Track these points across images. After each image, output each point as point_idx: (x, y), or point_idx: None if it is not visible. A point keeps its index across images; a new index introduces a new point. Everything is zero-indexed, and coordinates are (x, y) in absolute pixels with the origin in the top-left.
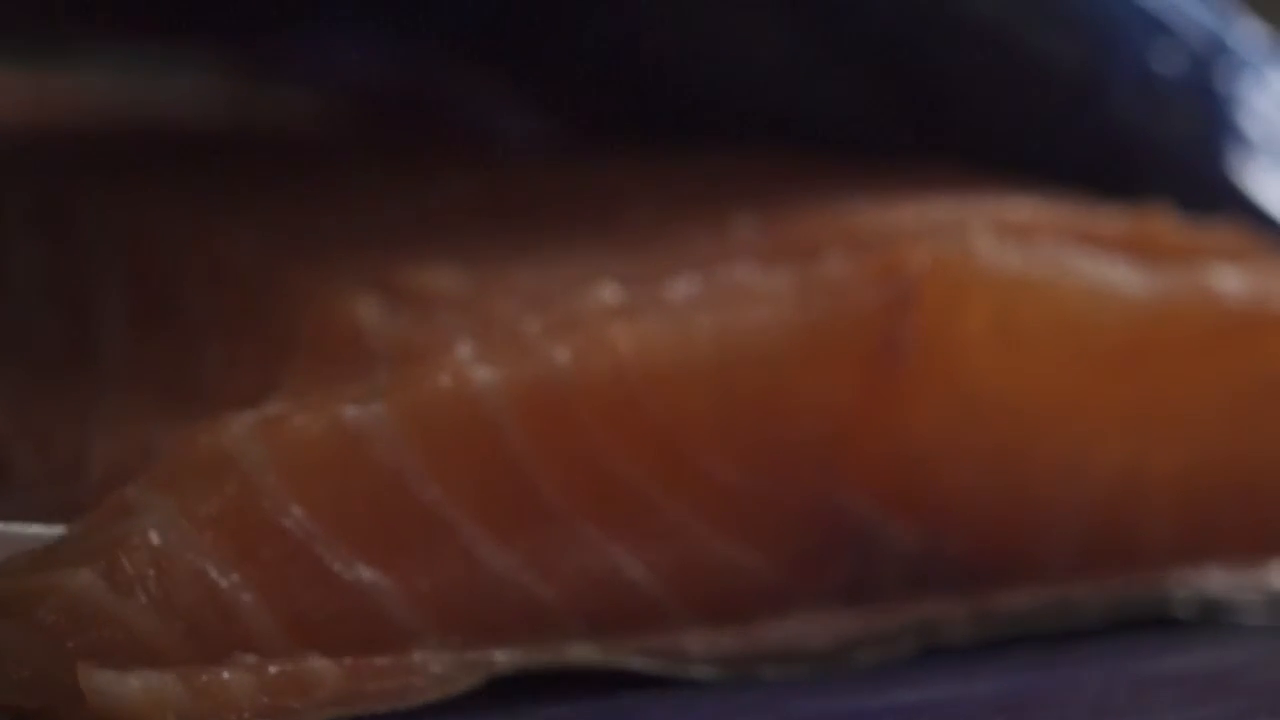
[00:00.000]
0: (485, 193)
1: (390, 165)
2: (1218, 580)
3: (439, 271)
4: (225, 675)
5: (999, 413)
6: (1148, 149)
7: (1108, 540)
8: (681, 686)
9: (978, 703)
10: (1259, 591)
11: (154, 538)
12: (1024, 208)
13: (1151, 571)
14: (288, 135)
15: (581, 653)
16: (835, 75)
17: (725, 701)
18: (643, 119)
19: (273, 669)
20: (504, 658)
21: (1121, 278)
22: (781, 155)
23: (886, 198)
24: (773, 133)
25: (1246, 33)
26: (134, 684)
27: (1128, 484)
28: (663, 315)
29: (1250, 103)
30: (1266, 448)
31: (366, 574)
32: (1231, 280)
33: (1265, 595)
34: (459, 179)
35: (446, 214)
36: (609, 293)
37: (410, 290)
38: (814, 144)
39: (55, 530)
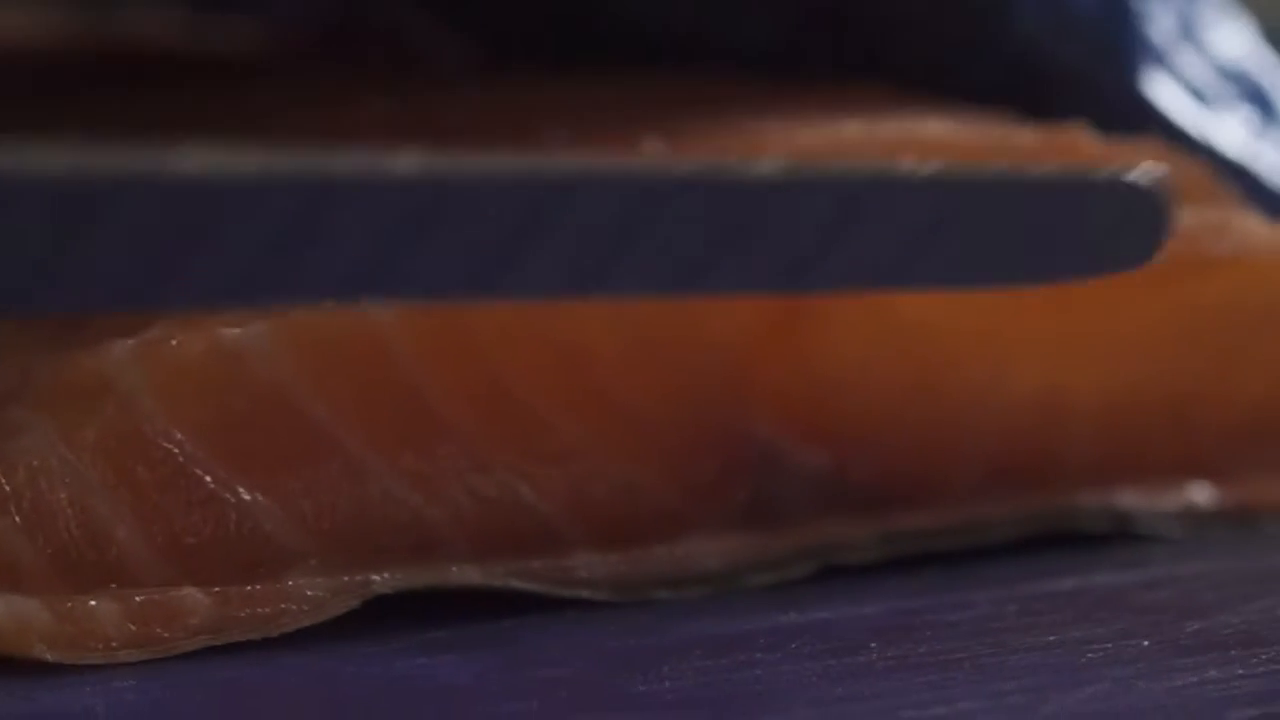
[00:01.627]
0: (398, 118)
1: (304, 94)
2: (1131, 499)
3: None
4: (92, 603)
5: (913, 340)
6: (1058, 67)
7: (1022, 462)
8: (565, 609)
9: (861, 624)
10: (1175, 507)
11: (32, 459)
12: (941, 127)
13: (1066, 493)
14: (220, 66)
15: (463, 575)
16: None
17: (607, 624)
18: (563, 43)
19: (139, 597)
20: (382, 580)
21: None
22: (696, 78)
23: (800, 119)
24: (689, 57)
25: None
26: None
27: (1046, 408)
28: None
29: (1157, 17)
30: (1192, 377)
31: (247, 497)
32: None
33: (1180, 511)
34: (372, 106)
35: (356, 139)
36: None
37: None
38: (730, 68)
39: None
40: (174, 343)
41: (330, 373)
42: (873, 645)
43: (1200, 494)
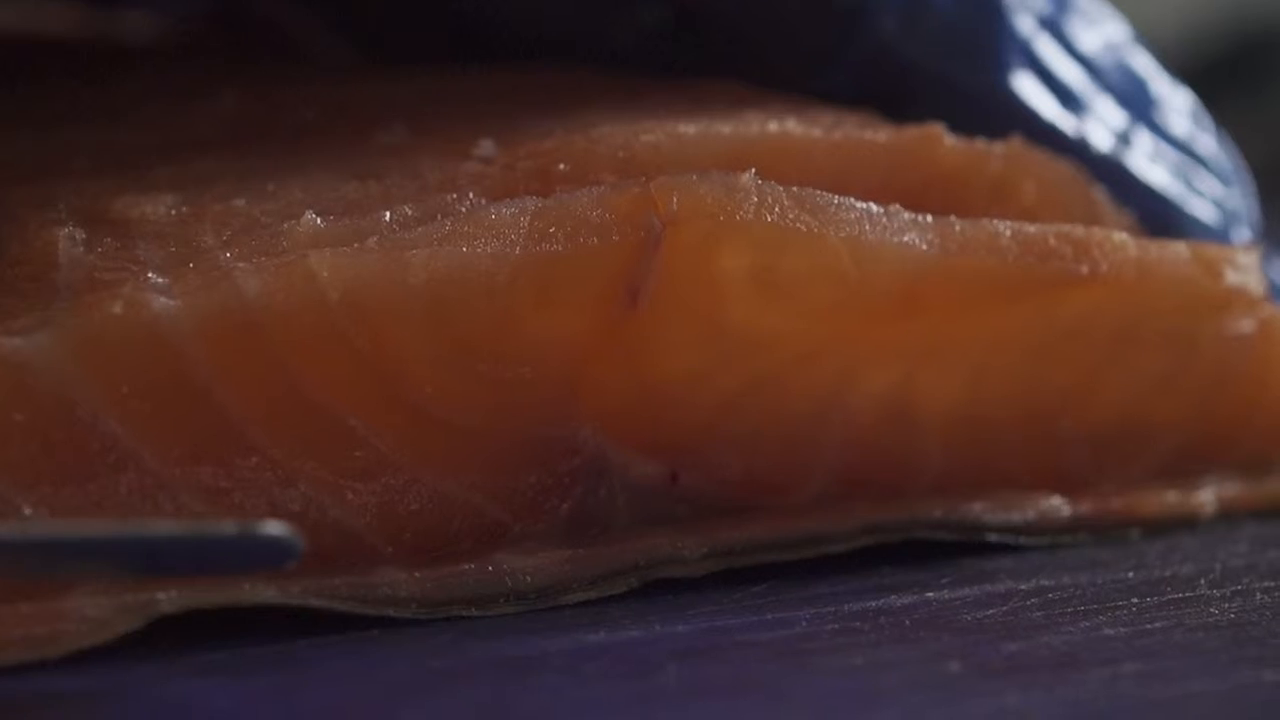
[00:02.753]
0: (248, 113)
1: (168, 85)
2: (981, 510)
3: (151, 199)
4: None
5: (752, 353)
6: (919, 68)
7: (868, 473)
8: (370, 628)
9: (669, 644)
10: (1026, 518)
11: None
12: (789, 126)
13: (912, 504)
14: (102, 56)
15: (256, 593)
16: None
17: (403, 645)
18: (434, 43)
19: None
20: (168, 599)
21: (895, 228)
22: (544, 76)
23: (642, 118)
24: (560, 56)
25: None
26: None
27: (895, 418)
28: (371, 245)
29: (1021, 15)
30: (1049, 389)
31: (28, 511)
32: (1011, 234)
33: (1032, 522)
34: (225, 100)
35: (202, 137)
36: (312, 221)
37: (116, 219)
38: (588, 68)
39: None
40: None
41: (120, 385)
42: (671, 668)
43: (1055, 505)
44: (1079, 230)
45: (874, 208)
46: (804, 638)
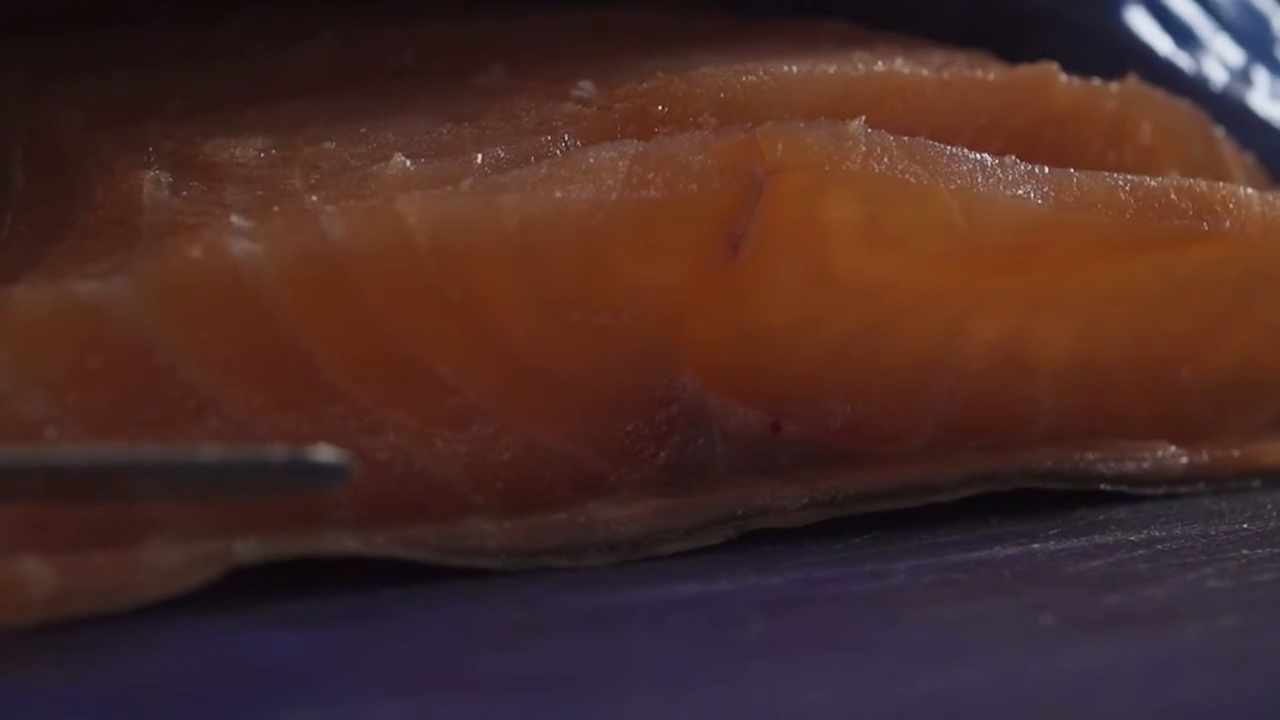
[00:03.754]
0: (349, 57)
1: (265, 28)
2: (1095, 458)
3: (241, 142)
4: None
5: (858, 302)
6: (1034, 6)
7: (980, 420)
8: (457, 579)
9: (760, 596)
10: (1142, 467)
11: None
12: (903, 67)
13: (1024, 451)
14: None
15: (338, 542)
16: None
17: (490, 596)
18: None
19: None
20: (245, 548)
21: (1010, 180)
22: (659, 14)
23: (754, 59)
24: None
25: None
26: None
27: (1009, 365)
28: (462, 188)
29: None
30: (1169, 339)
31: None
32: (1130, 189)
33: (1147, 471)
34: (325, 41)
35: (300, 79)
36: (401, 163)
37: (205, 163)
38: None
39: None
40: (19, 297)
41: (199, 330)
42: (757, 620)
43: (1171, 455)
44: (1201, 185)
45: (988, 159)
46: (899, 589)
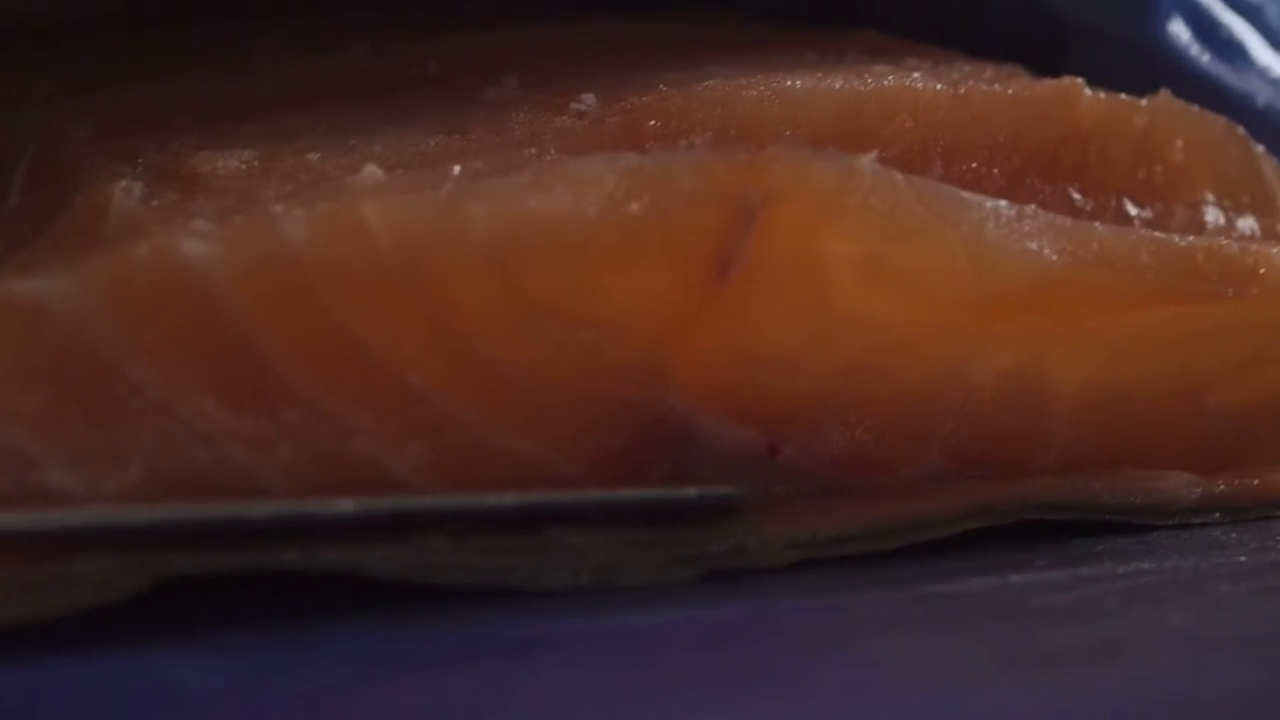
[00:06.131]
0: (374, 66)
1: (298, 40)
2: (1102, 489)
3: (227, 154)
4: None
5: (858, 333)
6: (1068, 20)
7: (986, 450)
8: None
9: (704, 627)
10: (1152, 498)
11: None
12: (917, 81)
13: (1024, 482)
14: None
15: (277, 556)
16: None
17: (418, 619)
18: None
19: None
20: (182, 561)
21: (1024, 232)
22: (686, 25)
23: (763, 71)
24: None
25: None
26: None
27: (1022, 395)
28: (430, 195)
29: None
30: (1191, 374)
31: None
32: (1154, 250)
33: (1159, 503)
34: (353, 53)
35: (316, 93)
36: (374, 173)
37: (188, 174)
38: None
39: None
40: None
41: (147, 329)
42: (684, 655)
43: (1183, 484)
44: (1232, 248)
45: (1002, 206)
46: (849, 623)
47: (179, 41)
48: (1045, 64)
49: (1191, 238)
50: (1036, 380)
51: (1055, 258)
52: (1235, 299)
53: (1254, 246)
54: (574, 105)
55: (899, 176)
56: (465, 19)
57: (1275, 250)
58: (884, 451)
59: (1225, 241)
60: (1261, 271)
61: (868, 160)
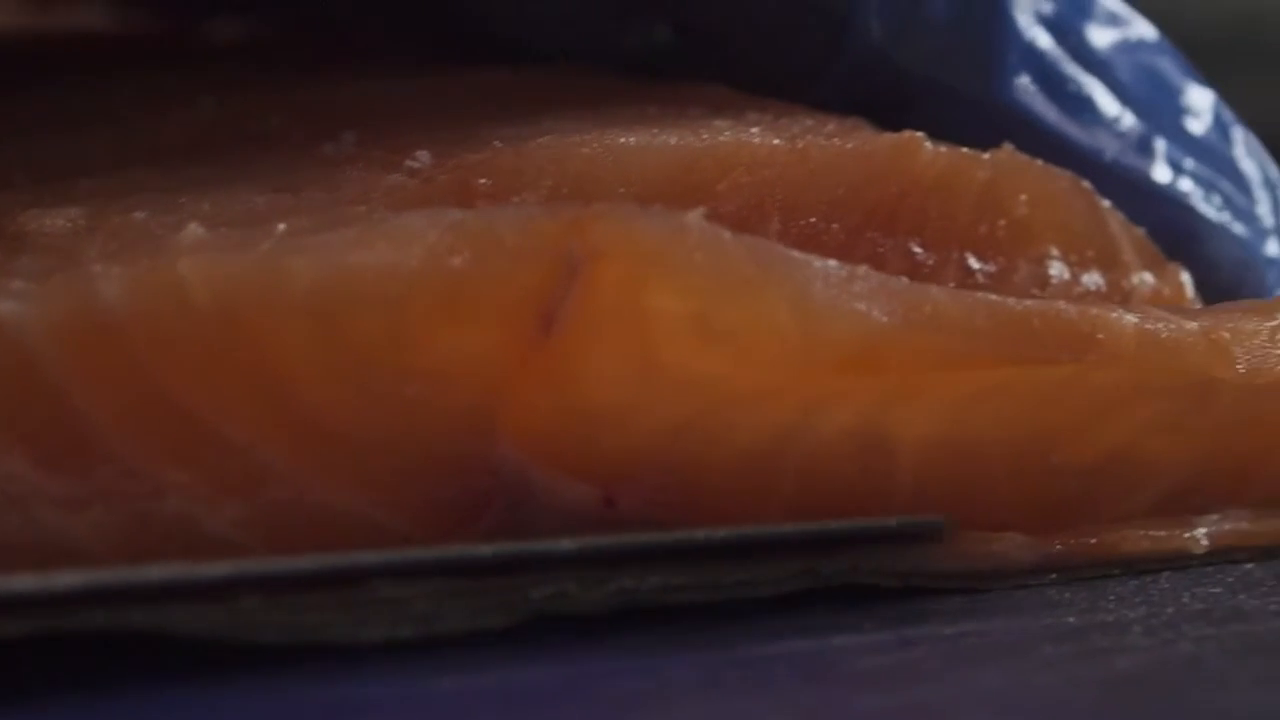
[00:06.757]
0: (220, 122)
1: (152, 90)
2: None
3: (55, 213)
4: None
5: (689, 391)
6: (910, 74)
7: (828, 504)
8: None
9: (488, 694)
10: (990, 561)
11: None
12: (754, 136)
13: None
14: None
15: (87, 618)
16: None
17: (233, 680)
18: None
19: None
20: None
21: (853, 293)
22: (531, 80)
23: (599, 129)
24: (542, 56)
25: None
26: None
27: (865, 450)
28: (249, 252)
29: (1025, 18)
30: (1036, 435)
31: None
32: (988, 313)
33: (978, 568)
34: (202, 107)
35: (160, 148)
36: (195, 231)
37: (15, 234)
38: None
39: None
40: None
41: None
42: None
43: (1017, 547)
44: (1070, 313)
45: (832, 266)
46: (647, 691)
47: (22, 97)
48: (894, 119)
49: (1029, 301)
50: (879, 439)
51: (885, 319)
52: (1072, 363)
53: (1093, 311)
54: (407, 163)
55: (726, 233)
56: (320, 73)
57: (1114, 314)
58: (724, 505)
59: (1063, 305)
60: (1099, 336)
61: (694, 216)
